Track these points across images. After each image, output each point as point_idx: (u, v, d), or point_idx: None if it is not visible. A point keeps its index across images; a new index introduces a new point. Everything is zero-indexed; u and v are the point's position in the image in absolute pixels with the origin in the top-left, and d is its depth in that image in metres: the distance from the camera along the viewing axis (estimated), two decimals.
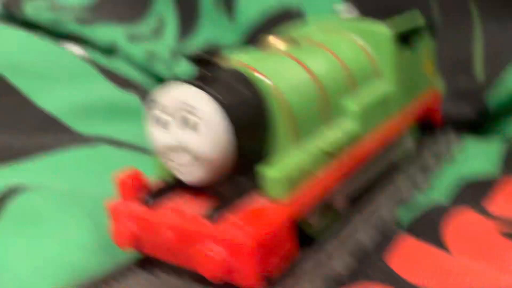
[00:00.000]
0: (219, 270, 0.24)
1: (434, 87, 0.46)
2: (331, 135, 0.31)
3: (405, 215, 0.37)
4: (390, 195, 0.38)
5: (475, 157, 0.44)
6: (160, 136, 0.27)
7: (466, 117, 0.49)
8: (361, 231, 0.33)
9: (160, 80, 0.70)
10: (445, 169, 0.44)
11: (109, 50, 0.71)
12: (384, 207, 0.36)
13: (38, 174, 0.41)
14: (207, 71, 0.27)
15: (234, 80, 0.28)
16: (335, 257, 0.31)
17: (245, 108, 0.27)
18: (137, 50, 0.70)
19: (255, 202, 0.27)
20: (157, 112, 0.27)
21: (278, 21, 0.65)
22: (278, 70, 0.30)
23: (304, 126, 0.29)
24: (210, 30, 0.72)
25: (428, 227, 0.35)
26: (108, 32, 0.72)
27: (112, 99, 0.50)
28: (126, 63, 0.69)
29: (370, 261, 0.31)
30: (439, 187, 0.41)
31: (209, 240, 0.25)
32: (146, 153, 0.46)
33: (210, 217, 0.26)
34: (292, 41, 0.34)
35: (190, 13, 0.74)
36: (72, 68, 0.53)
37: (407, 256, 0.31)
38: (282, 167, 0.27)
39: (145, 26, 0.76)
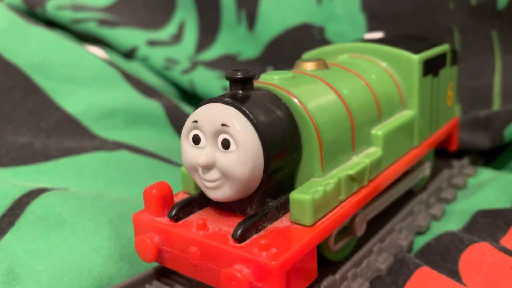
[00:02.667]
0: None
1: (453, 114, 0.46)
2: (357, 160, 0.32)
3: (421, 244, 0.37)
4: (408, 224, 0.38)
5: (490, 189, 0.44)
6: (191, 151, 0.28)
7: (482, 147, 0.49)
8: (380, 259, 0.34)
9: (176, 86, 0.70)
10: (460, 199, 0.44)
11: (127, 54, 0.72)
12: (402, 236, 0.36)
13: (58, 177, 0.42)
14: (242, 91, 0.28)
15: (267, 101, 0.28)
16: (355, 285, 0.31)
17: (278, 129, 0.27)
18: (156, 56, 0.70)
19: (280, 224, 0.28)
20: (190, 128, 0.28)
21: (298, 35, 0.65)
22: (309, 92, 0.30)
23: (332, 151, 0.30)
24: (229, 41, 0.73)
25: (443, 257, 0.35)
26: (129, 36, 0.73)
27: (135, 106, 0.51)
28: (144, 67, 0.70)
29: None
30: (454, 217, 0.41)
31: (234, 259, 0.25)
32: (166, 162, 0.46)
33: (236, 236, 0.26)
34: (322, 65, 0.34)
35: (211, 23, 0.75)
36: (97, 71, 0.53)
37: (424, 286, 0.32)
38: (308, 191, 0.27)
39: (165, 33, 0.76)
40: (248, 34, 0.71)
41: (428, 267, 0.33)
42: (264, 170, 0.27)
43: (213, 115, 0.27)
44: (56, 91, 0.49)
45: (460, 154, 0.51)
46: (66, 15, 0.74)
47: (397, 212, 0.39)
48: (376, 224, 0.37)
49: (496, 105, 0.53)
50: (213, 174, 0.27)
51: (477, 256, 0.35)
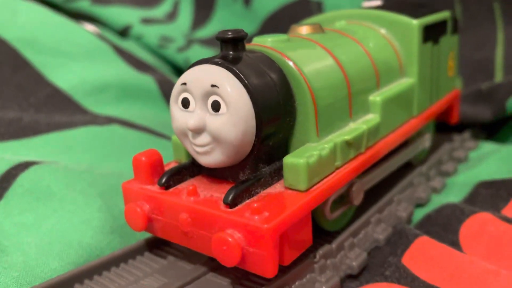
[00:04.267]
0: (235, 254, 0.23)
1: (454, 85, 0.45)
2: (353, 126, 0.30)
3: (421, 216, 0.36)
4: (408, 195, 0.37)
5: (491, 161, 0.43)
6: (181, 116, 0.26)
7: (484, 120, 0.48)
8: (378, 230, 0.33)
9: (171, 64, 0.69)
10: (461, 171, 0.43)
11: (121, 32, 0.71)
12: (401, 207, 0.35)
13: (48, 151, 0.41)
14: (233, 52, 0.27)
15: (260, 63, 0.27)
16: (352, 255, 0.30)
17: (271, 91, 0.26)
18: (151, 33, 0.69)
19: (274, 189, 0.27)
20: (179, 92, 0.27)
21: (296, 11, 0.64)
22: (305, 55, 0.29)
23: (328, 116, 0.29)
24: (225, 18, 0.72)
25: (444, 228, 0.35)
26: (122, 14, 0.71)
27: (127, 80, 0.49)
28: (139, 45, 0.68)
29: (386, 261, 0.31)
30: (455, 189, 0.40)
31: (225, 224, 0.24)
32: (159, 136, 0.45)
33: (228, 201, 0.25)
34: (319, 29, 0.33)
35: (206, 0, 0.73)
36: (88, 46, 0.52)
37: (423, 255, 0.31)
38: (303, 155, 0.26)
39: (159, 10, 0.75)
40: (244, 10, 0.69)
41: (427, 237, 0.32)
42: (256, 133, 0.26)
43: (203, 77, 0.26)
44: (46, 65, 0.48)
45: (461, 128, 0.50)
46: None
47: (396, 183, 0.38)
48: (374, 195, 0.36)
49: (498, 77, 0.51)
50: (204, 138, 0.26)
51: (478, 226, 0.34)
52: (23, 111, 0.45)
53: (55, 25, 0.52)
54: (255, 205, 0.24)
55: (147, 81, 0.51)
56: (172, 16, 0.75)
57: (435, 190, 0.40)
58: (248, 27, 0.69)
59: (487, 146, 0.48)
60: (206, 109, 0.26)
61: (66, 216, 0.33)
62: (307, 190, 0.26)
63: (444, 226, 0.35)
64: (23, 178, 0.35)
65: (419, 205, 0.39)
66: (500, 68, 0.51)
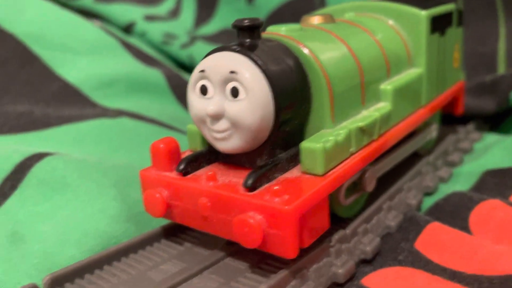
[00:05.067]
0: (256, 236, 0.24)
1: (459, 77, 0.46)
2: (367, 113, 0.31)
3: (430, 204, 0.37)
4: (416, 183, 0.38)
5: (497, 150, 0.44)
6: (199, 102, 0.27)
7: (488, 111, 0.49)
8: (389, 217, 0.33)
9: (175, 60, 0.69)
10: (467, 162, 0.44)
11: (125, 29, 0.71)
12: (411, 195, 0.36)
13: (59, 143, 0.41)
14: (249, 39, 0.27)
15: (276, 50, 0.28)
16: (365, 240, 0.31)
17: (288, 77, 0.27)
18: (154, 30, 0.69)
19: (291, 174, 0.27)
20: (197, 79, 0.27)
21: (299, 7, 0.64)
22: (319, 43, 0.29)
23: (342, 103, 0.29)
24: (228, 15, 0.72)
25: (453, 215, 0.35)
26: (125, 11, 0.71)
27: (135, 74, 0.50)
28: (143, 42, 0.69)
29: (398, 246, 0.31)
30: (462, 179, 0.41)
31: (246, 207, 0.25)
32: (169, 128, 0.46)
33: (247, 184, 0.25)
34: (330, 19, 0.33)
35: None
36: (95, 40, 0.52)
37: (435, 240, 0.31)
38: (319, 140, 0.27)
39: (162, 8, 0.75)
40: (247, 7, 0.70)
41: (438, 222, 0.33)
42: (274, 119, 0.26)
43: (221, 63, 0.26)
44: (54, 60, 0.48)
45: (465, 120, 0.51)
46: None
47: (404, 173, 0.38)
48: (383, 184, 0.36)
49: (501, 70, 0.52)
50: (222, 124, 0.26)
51: (487, 212, 0.34)
52: (33, 105, 0.45)
53: (63, 20, 0.52)
54: (276, 187, 0.24)
55: (155, 75, 0.52)
56: (175, 13, 0.75)
57: (442, 180, 0.41)
58: None
59: (491, 137, 0.48)
60: (224, 95, 0.26)
61: (81, 205, 0.33)
62: (324, 175, 0.27)
63: (453, 213, 0.35)
64: (37, 169, 0.35)
65: (427, 193, 0.39)
66: (503, 61, 0.52)
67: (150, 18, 0.72)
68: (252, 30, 0.27)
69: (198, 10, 0.75)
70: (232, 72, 0.26)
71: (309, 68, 0.28)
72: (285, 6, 0.66)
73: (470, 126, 0.50)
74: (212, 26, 0.73)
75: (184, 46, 0.68)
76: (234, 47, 0.27)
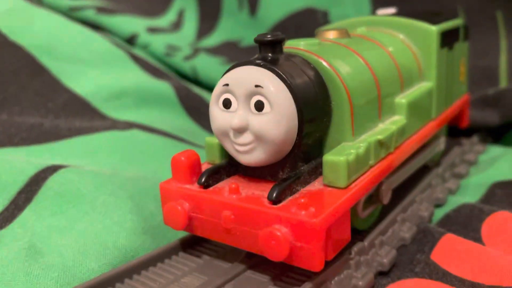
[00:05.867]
0: (283, 249, 0.24)
1: (465, 90, 0.47)
2: (383, 127, 0.32)
3: (440, 216, 0.38)
4: (427, 196, 0.38)
5: (503, 162, 0.45)
6: (222, 116, 0.27)
7: (492, 124, 0.50)
8: (404, 229, 0.34)
9: (178, 72, 0.70)
10: (473, 174, 0.45)
11: (128, 41, 0.71)
12: (423, 207, 0.37)
13: (72, 155, 0.41)
14: (272, 54, 0.28)
15: (298, 64, 0.28)
16: (382, 252, 0.31)
17: (311, 91, 0.27)
18: (157, 42, 0.70)
19: (313, 187, 0.27)
20: (221, 92, 0.27)
21: (302, 20, 0.65)
22: (338, 57, 0.30)
23: (362, 116, 0.30)
24: (230, 27, 0.73)
25: (465, 226, 0.36)
26: (128, 23, 0.72)
27: (144, 86, 0.50)
28: (146, 54, 0.69)
29: (414, 258, 0.32)
30: (470, 190, 0.42)
31: (272, 220, 0.25)
32: (180, 141, 0.46)
33: (272, 197, 0.26)
34: (345, 34, 0.34)
35: (211, 10, 0.75)
36: (103, 52, 0.52)
37: (452, 251, 0.32)
38: (342, 153, 0.27)
39: (165, 20, 0.76)
40: (250, 19, 0.71)
41: (453, 234, 0.33)
42: (298, 132, 0.27)
43: (246, 77, 0.26)
44: (63, 72, 0.48)
45: (468, 132, 0.52)
46: (64, 3, 0.73)
47: (413, 184, 0.39)
48: (394, 196, 0.37)
49: (503, 84, 0.53)
50: (246, 137, 0.27)
51: (499, 224, 0.35)
52: (42, 117, 0.45)
53: (71, 32, 0.52)
54: (302, 200, 0.24)
55: (164, 87, 0.52)
56: (177, 25, 0.76)
57: (451, 191, 0.42)
58: (253, 36, 0.70)
59: (495, 150, 0.49)
60: (248, 109, 0.26)
61: (98, 218, 0.33)
62: (346, 187, 0.27)
63: (465, 225, 0.36)
64: (52, 181, 0.35)
65: (437, 205, 0.40)
66: (505, 75, 0.53)
67: (152, 30, 0.73)
68: (274, 45, 0.28)
69: (200, 22, 0.76)
70: (257, 86, 0.26)
71: (330, 82, 0.29)
72: (288, 19, 0.67)
73: (475, 138, 0.51)
74: (215, 38, 0.74)
75: (187, 58, 0.69)
76: (258, 61, 0.27)
